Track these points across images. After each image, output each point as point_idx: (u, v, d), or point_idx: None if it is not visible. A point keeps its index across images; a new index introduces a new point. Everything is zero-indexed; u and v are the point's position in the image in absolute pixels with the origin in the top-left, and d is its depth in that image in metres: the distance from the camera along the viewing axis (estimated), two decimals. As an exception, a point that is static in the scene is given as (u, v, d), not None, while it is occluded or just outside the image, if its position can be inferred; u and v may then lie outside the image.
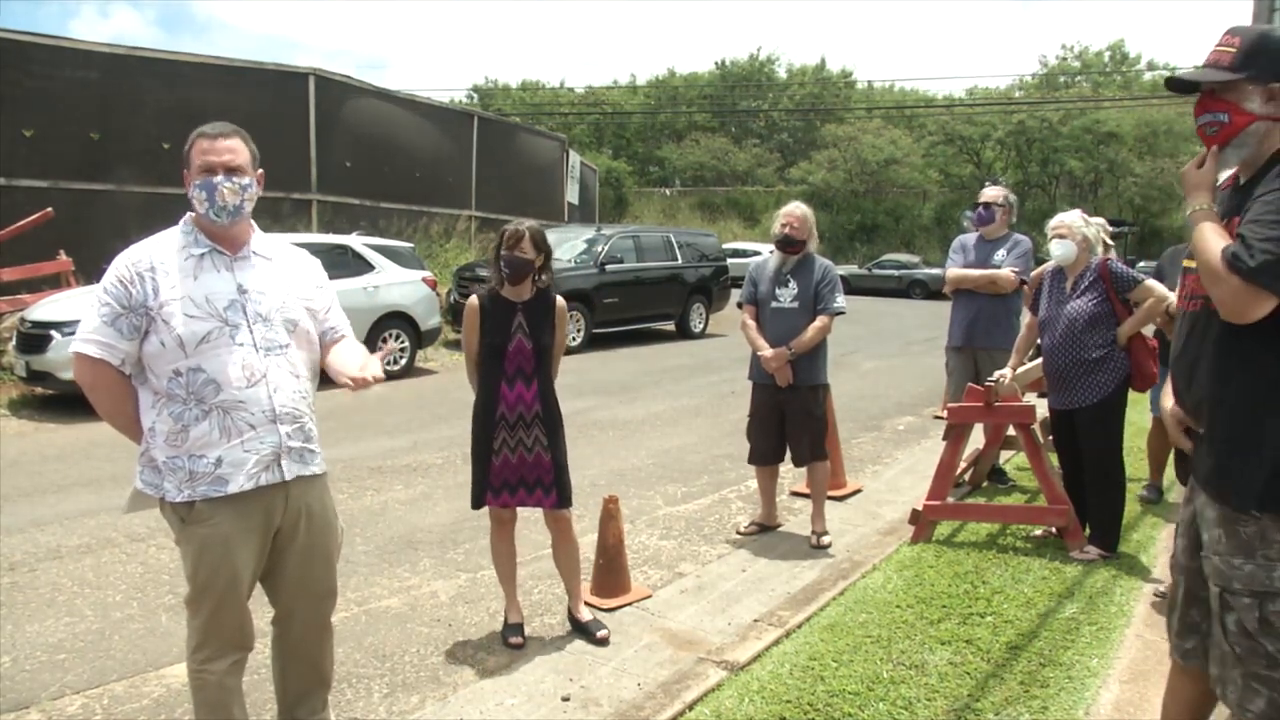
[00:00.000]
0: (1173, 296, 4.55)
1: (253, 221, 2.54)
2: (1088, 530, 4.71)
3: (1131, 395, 4.68)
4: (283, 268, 2.56)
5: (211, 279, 2.41)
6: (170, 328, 2.32)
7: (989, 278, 5.74)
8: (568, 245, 13.98)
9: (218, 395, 2.35)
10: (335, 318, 2.69)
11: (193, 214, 2.46)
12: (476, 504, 3.69)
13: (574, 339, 12.87)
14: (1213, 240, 2.07)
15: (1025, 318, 5.20)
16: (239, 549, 2.41)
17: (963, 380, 5.65)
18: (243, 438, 2.37)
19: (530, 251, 3.54)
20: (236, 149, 2.43)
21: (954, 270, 5.93)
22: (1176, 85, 2.26)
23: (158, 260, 2.38)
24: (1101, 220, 4.91)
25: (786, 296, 4.87)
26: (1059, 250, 4.63)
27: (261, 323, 2.44)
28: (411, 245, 12.74)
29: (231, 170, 2.39)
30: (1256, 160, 2.15)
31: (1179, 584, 2.33)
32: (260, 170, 2.52)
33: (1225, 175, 2.20)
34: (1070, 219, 4.69)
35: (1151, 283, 4.56)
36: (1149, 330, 4.80)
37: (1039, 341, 4.87)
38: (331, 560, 2.67)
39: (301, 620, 2.67)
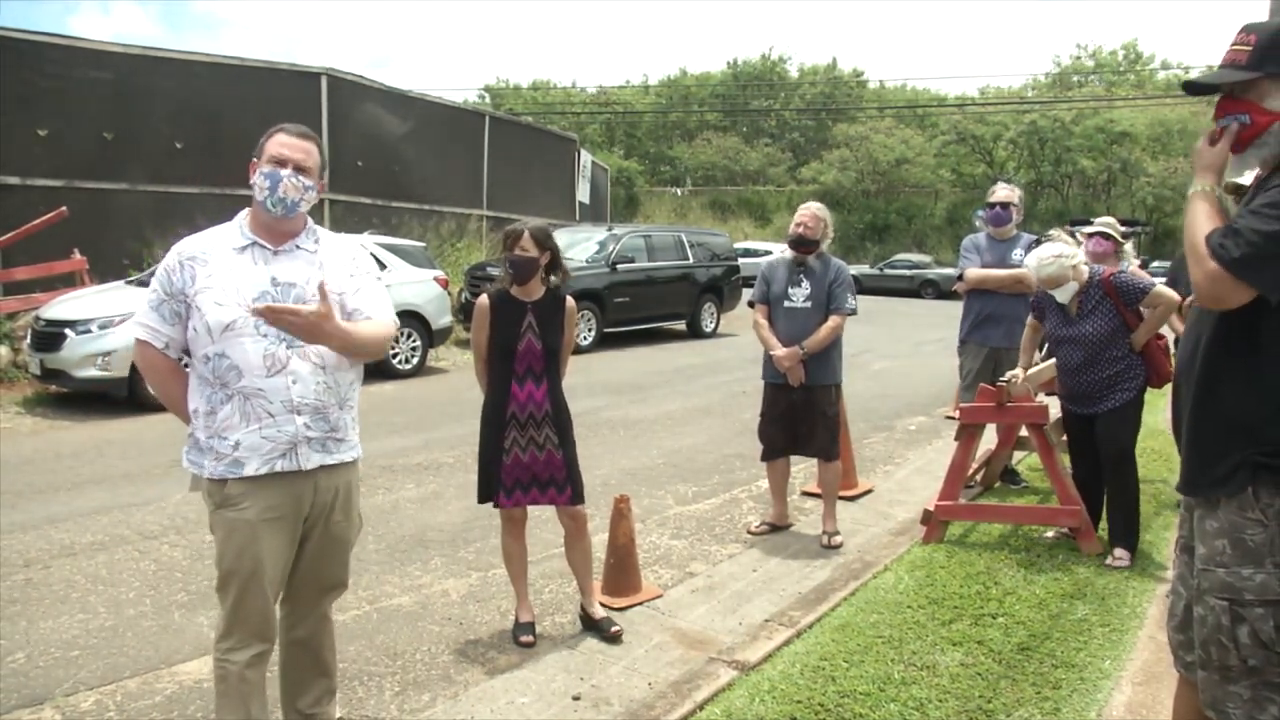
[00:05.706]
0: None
1: (310, 219, 2.63)
2: (1100, 531, 4.68)
3: (1147, 396, 4.65)
4: (321, 260, 2.60)
5: (247, 270, 2.48)
6: (201, 314, 2.44)
7: (1015, 277, 5.67)
8: (580, 245, 13.97)
9: (239, 381, 2.43)
10: (362, 301, 2.62)
11: (248, 210, 2.56)
12: (483, 499, 3.70)
13: (585, 338, 12.88)
14: (1203, 223, 2.07)
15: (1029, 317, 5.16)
16: (265, 536, 2.47)
17: (981, 379, 5.60)
18: (260, 424, 2.44)
19: (532, 249, 3.53)
20: (311, 152, 2.54)
21: (975, 271, 5.84)
22: (1195, 89, 2.21)
23: (202, 251, 2.50)
24: (1111, 219, 4.86)
25: (799, 296, 4.86)
26: (1062, 296, 4.55)
27: None
28: (423, 244, 12.77)
29: (300, 169, 2.50)
30: None
31: (1181, 597, 2.29)
32: (324, 180, 2.62)
33: (1250, 177, 2.15)
34: (1050, 269, 4.47)
35: (1159, 288, 4.49)
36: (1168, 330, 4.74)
37: (1053, 360, 4.82)
38: (348, 552, 2.74)
39: (304, 606, 2.73)
